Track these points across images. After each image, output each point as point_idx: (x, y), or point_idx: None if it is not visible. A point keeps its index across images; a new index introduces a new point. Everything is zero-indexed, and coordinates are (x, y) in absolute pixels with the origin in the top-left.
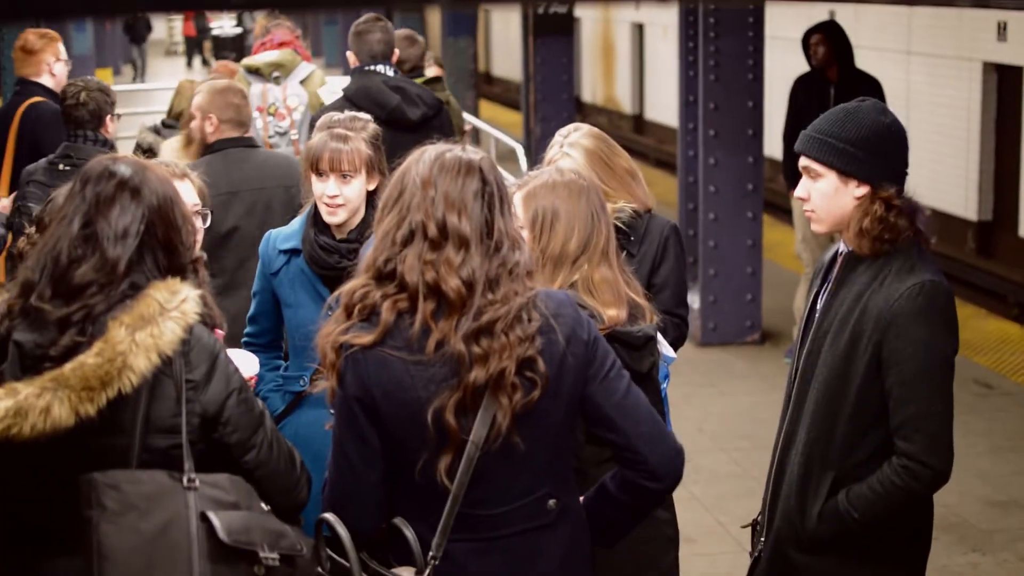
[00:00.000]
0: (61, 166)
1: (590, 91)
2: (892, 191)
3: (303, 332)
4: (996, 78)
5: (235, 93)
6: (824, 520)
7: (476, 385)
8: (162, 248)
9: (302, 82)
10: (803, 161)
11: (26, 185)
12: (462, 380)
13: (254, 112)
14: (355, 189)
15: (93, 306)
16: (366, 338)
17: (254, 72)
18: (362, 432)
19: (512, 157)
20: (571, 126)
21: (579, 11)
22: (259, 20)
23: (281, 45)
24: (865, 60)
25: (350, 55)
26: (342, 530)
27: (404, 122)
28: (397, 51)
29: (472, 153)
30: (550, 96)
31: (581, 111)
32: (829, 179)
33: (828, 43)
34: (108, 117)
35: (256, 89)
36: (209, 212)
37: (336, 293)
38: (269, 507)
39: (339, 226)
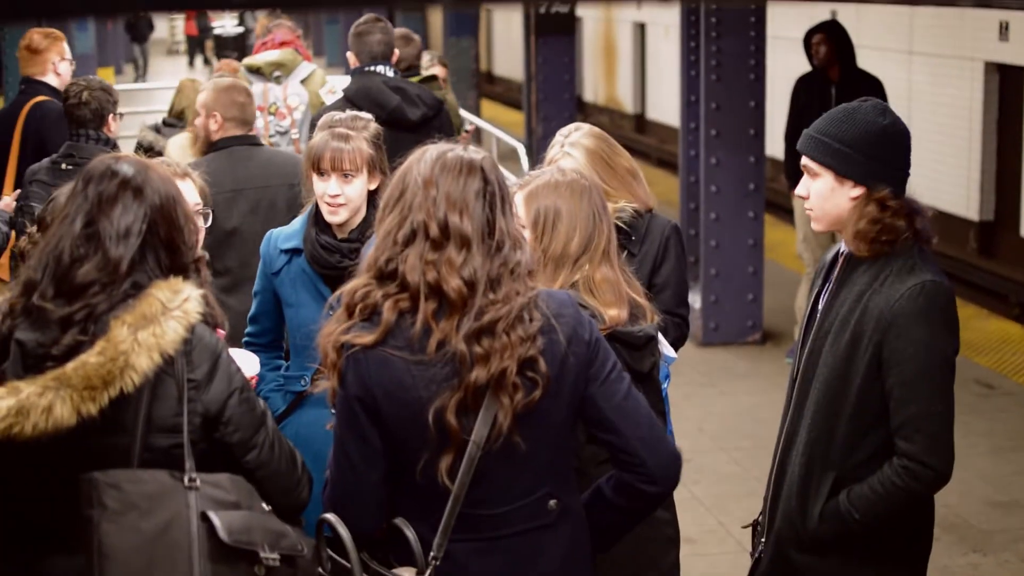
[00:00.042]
0: (64, 165)
1: (592, 91)
2: (886, 192)
3: (304, 332)
4: (998, 78)
5: (240, 91)
6: (825, 520)
7: (477, 385)
8: (164, 247)
9: (303, 81)
10: (803, 160)
11: (29, 185)
12: (463, 380)
13: None
14: (356, 188)
15: (95, 305)
16: (367, 338)
17: (255, 71)
18: (363, 432)
19: (514, 156)
20: (572, 126)
21: (581, 11)
22: (260, 19)
23: (282, 45)
24: (867, 60)
25: (350, 55)
26: (343, 530)
27: (404, 122)
28: (397, 52)
29: (473, 153)
30: (552, 95)
31: (583, 111)
32: (826, 179)
33: (830, 43)
34: (110, 116)
35: (257, 88)
36: (211, 211)
37: (337, 293)
38: (270, 507)
39: (340, 225)
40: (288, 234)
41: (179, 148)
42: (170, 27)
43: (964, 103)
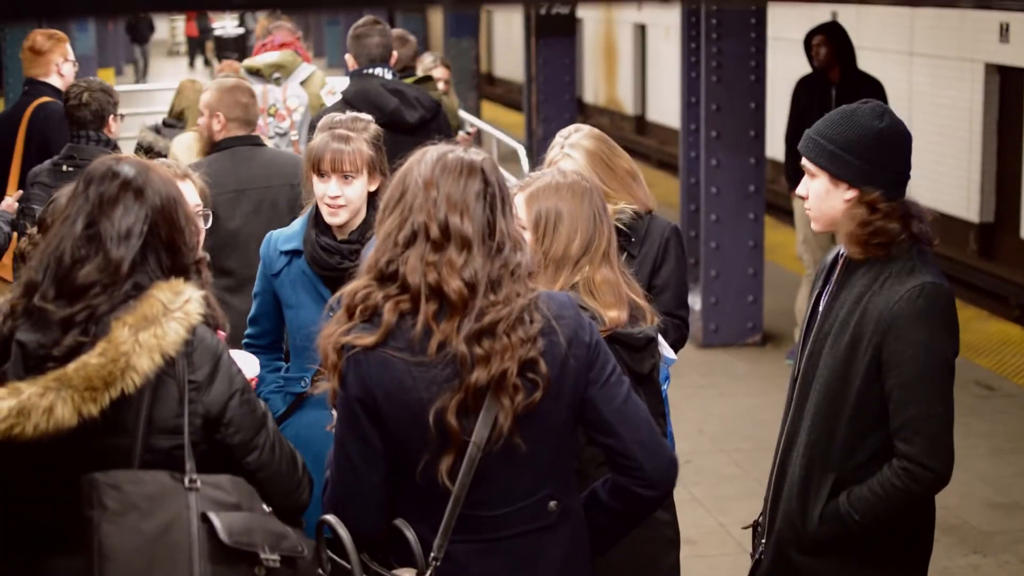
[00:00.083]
0: (65, 167)
1: (592, 92)
2: (876, 195)
3: (304, 333)
4: (998, 79)
5: (243, 92)
6: (825, 522)
7: (478, 386)
8: (165, 248)
9: (302, 83)
10: (803, 160)
11: (31, 187)
12: (464, 381)
13: None
14: (356, 190)
15: (96, 306)
16: (368, 339)
17: (255, 73)
18: (364, 433)
19: (514, 158)
20: (572, 127)
21: (581, 12)
22: (260, 21)
23: (282, 46)
24: (867, 61)
25: (348, 58)
26: (343, 531)
27: (402, 125)
28: (396, 54)
29: (474, 154)
30: (552, 97)
31: (583, 112)
32: (822, 180)
33: (830, 44)
34: (111, 117)
35: (256, 90)
36: (210, 213)
37: (337, 294)
38: (271, 508)
39: (340, 227)
40: (288, 235)
41: (185, 148)
42: (170, 28)
43: (964, 104)
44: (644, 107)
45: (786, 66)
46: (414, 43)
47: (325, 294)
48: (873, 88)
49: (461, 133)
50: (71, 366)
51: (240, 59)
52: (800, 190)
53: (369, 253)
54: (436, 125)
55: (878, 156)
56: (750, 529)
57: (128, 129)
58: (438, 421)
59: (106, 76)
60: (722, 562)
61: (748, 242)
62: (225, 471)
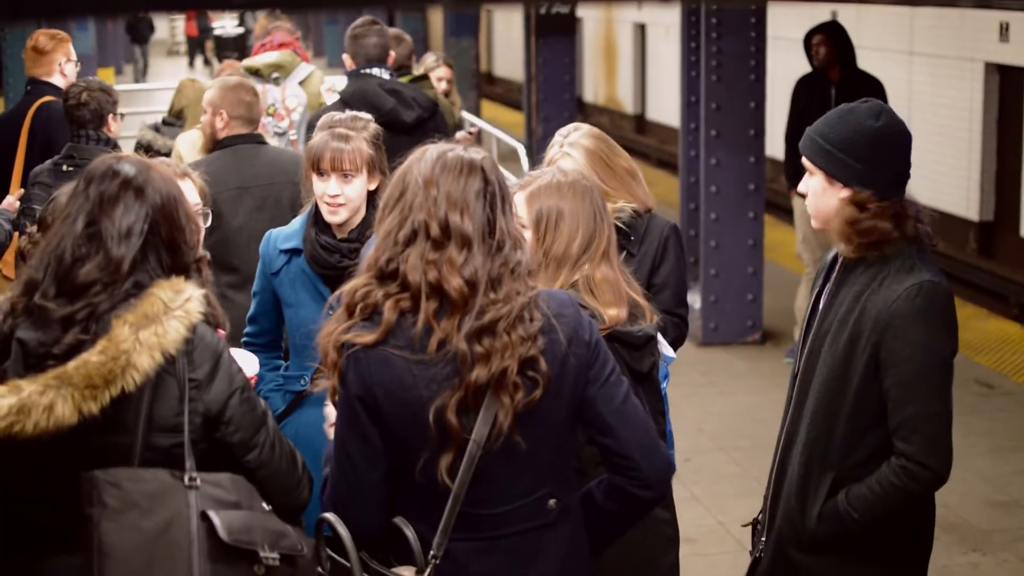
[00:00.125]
0: (65, 167)
1: (592, 91)
2: (866, 195)
3: (304, 331)
4: (998, 78)
5: (247, 90)
6: (824, 520)
7: (478, 384)
8: (166, 247)
9: (301, 83)
10: (803, 158)
11: (31, 187)
12: (464, 379)
13: None
14: (356, 188)
15: (97, 305)
16: (368, 337)
17: (254, 73)
18: (364, 431)
19: (514, 157)
20: (571, 126)
21: (581, 11)
22: (260, 20)
23: (281, 46)
24: (867, 60)
25: (346, 58)
26: (342, 530)
27: (399, 125)
28: (393, 54)
29: (473, 152)
30: (552, 96)
31: (583, 111)
32: (818, 178)
33: (830, 43)
34: (110, 116)
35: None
36: (210, 212)
37: (337, 292)
38: (270, 507)
39: (340, 226)
40: (287, 234)
41: (189, 145)
42: (170, 28)
43: (964, 104)
44: (644, 106)
45: (786, 65)
46: (410, 42)
47: (324, 293)
48: (873, 87)
49: (462, 133)
50: (71, 364)
51: (240, 58)
52: (801, 187)
53: (369, 252)
54: (433, 124)
55: (873, 156)
56: (749, 527)
57: (128, 128)
58: (438, 419)
59: (106, 75)
60: (721, 560)
61: (748, 241)
62: (225, 469)
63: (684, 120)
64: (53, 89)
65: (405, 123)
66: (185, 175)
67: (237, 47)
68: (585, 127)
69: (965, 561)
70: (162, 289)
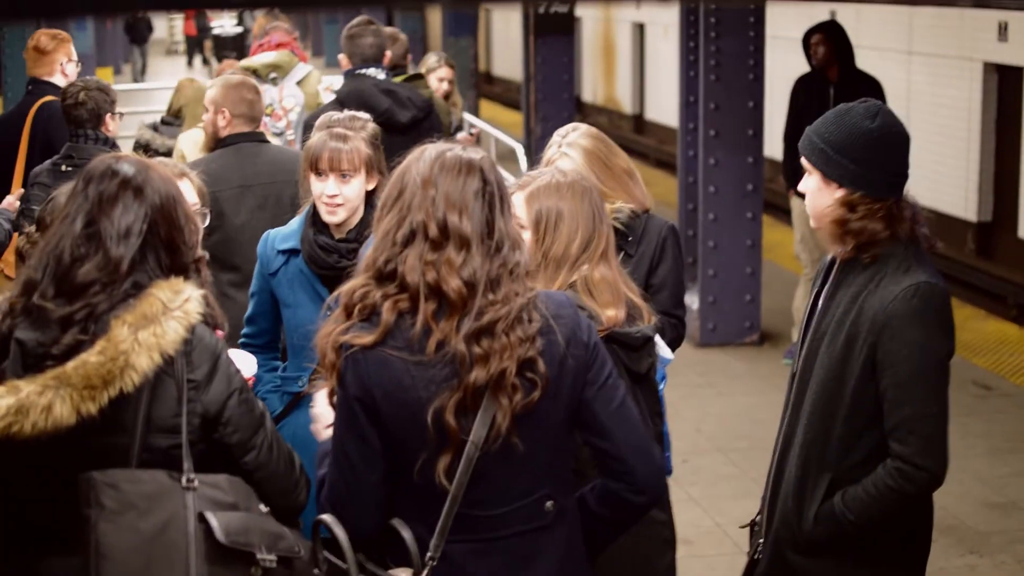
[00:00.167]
0: (64, 167)
1: (590, 91)
2: (857, 196)
3: (302, 332)
4: (997, 78)
5: (249, 88)
6: (820, 522)
7: (476, 385)
8: (165, 247)
9: (299, 83)
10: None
11: (31, 187)
12: (462, 380)
13: None
14: (354, 189)
15: (96, 305)
16: (366, 338)
17: (251, 73)
18: (362, 432)
19: (512, 157)
20: (569, 126)
21: (580, 11)
22: (258, 19)
23: (279, 46)
24: (866, 60)
25: (342, 57)
26: (340, 531)
27: (395, 125)
28: (389, 54)
29: (472, 152)
30: (550, 96)
31: (581, 111)
32: (814, 178)
33: (829, 43)
34: (108, 116)
35: None
36: (208, 212)
37: (336, 293)
38: (268, 509)
39: (338, 226)
40: (285, 235)
41: (192, 144)
42: (169, 27)
43: (963, 103)
44: (642, 106)
45: (784, 65)
46: (405, 41)
47: (323, 293)
48: (871, 87)
49: (463, 134)
50: (70, 364)
51: (239, 58)
52: (800, 186)
53: (367, 252)
54: (429, 124)
55: (868, 156)
56: (747, 528)
57: (127, 128)
58: (436, 420)
59: (104, 75)
60: (719, 562)
61: (746, 241)
62: (223, 471)
63: (683, 120)
64: (54, 89)
65: (401, 123)
66: (183, 175)
67: (236, 47)
68: (583, 127)
69: (962, 563)
70: (161, 290)
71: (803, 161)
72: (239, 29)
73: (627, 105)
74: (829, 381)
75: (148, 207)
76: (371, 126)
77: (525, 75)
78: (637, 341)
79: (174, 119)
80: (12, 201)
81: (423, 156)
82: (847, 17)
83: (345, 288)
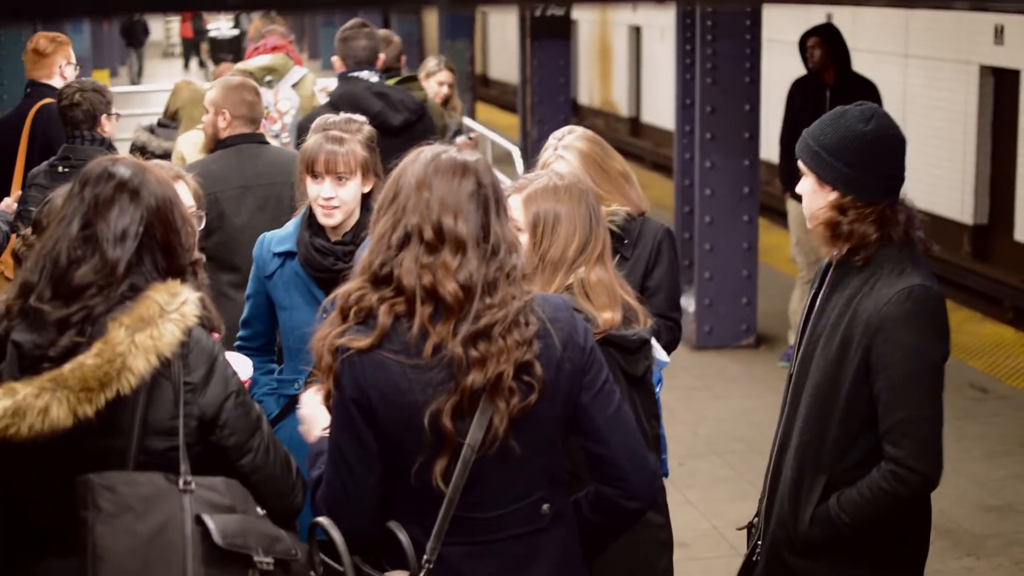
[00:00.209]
0: (61, 168)
1: (587, 94)
2: (848, 199)
3: (298, 335)
4: (993, 81)
5: (249, 90)
6: (816, 524)
7: (473, 389)
8: (161, 250)
9: (294, 86)
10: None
11: (28, 189)
12: (459, 384)
13: None
14: (350, 191)
15: (93, 307)
16: (363, 342)
17: (247, 76)
18: (359, 434)
19: (508, 160)
20: (565, 129)
21: (576, 13)
22: (255, 22)
23: (274, 49)
24: (862, 63)
25: (335, 60)
26: (336, 534)
27: (387, 128)
28: (382, 56)
29: (467, 155)
30: (547, 99)
31: (578, 114)
32: (810, 180)
33: (825, 46)
34: (103, 116)
35: None
36: (204, 214)
37: (331, 296)
38: (264, 511)
39: (334, 228)
40: (281, 237)
41: (192, 146)
42: (165, 30)
43: (959, 106)
44: (639, 109)
45: (781, 68)
46: (398, 43)
47: (319, 296)
48: (867, 90)
49: (463, 138)
50: (67, 367)
51: (235, 61)
52: (798, 188)
53: (363, 255)
54: (421, 127)
55: (860, 160)
56: (744, 531)
57: (124, 130)
58: (433, 423)
59: (101, 78)
60: (716, 565)
61: (742, 244)
62: (219, 473)
63: (679, 123)
64: (53, 91)
65: (393, 126)
66: (179, 177)
67: (232, 49)
68: (579, 130)
69: (959, 566)
70: (158, 292)
71: (799, 163)
72: (235, 32)
73: (623, 108)
74: (824, 384)
75: (144, 209)
76: (367, 129)
77: (521, 78)
78: (634, 344)
79: (170, 121)
80: (10, 203)
81: (418, 159)
82: (843, 20)
83: (341, 291)
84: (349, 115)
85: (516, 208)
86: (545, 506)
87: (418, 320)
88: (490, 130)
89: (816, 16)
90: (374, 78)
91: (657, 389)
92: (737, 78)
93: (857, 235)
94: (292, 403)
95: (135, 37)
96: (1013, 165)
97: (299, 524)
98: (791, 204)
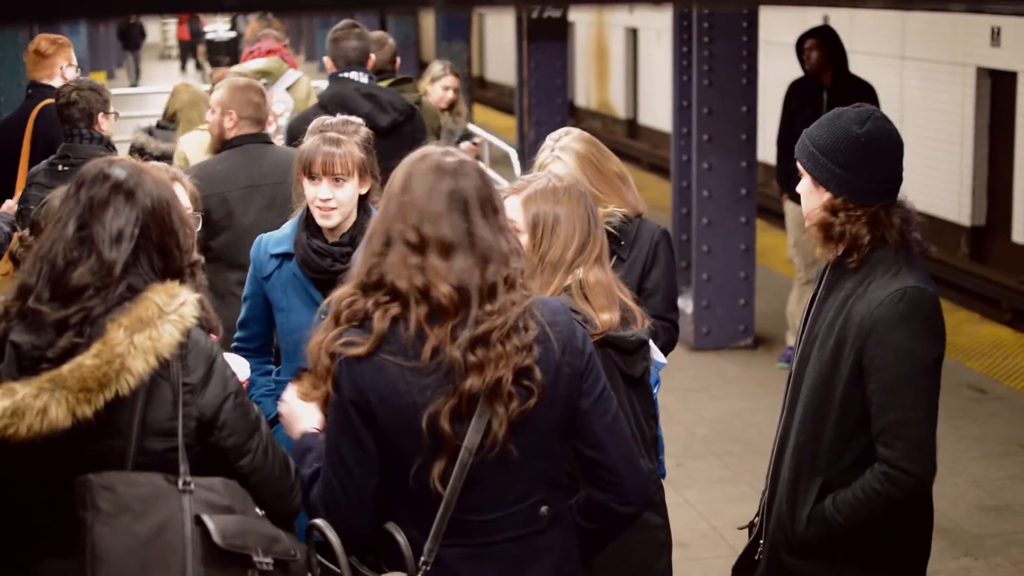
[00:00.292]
0: (61, 167)
1: (584, 95)
2: (840, 200)
3: (296, 336)
4: (990, 83)
5: (255, 91)
6: (812, 525)
7: (471, 393)
8: (157, 251)
9: (288, 89)
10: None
11: (29, 188)
12: (457, 387)
13: None
14: (348, 192)
15: (91, 308)
16: (360, 348)
17: None
18: (358, 436)
19: (506, 161)
20: (562, 130)
21: (573, 15)
22: (251, 24)
23: (268, 53)
24: (859, 65)
25: (327, 60)
26: (332, 536)
27: (375, 128)
28: (373, 57)
29: (453, 157)
30: (544, 100)
31: (575, 116)
32: (806, 180)
33: (822, 48)
34: (100, 115)
35: None
36: (201, 216)
37: (327, 300)
38: (263, 512)
39: (332, 230)
40: (279, 239)
41: (195, 146)
42: (162, 32)
43: (956, 108)
44: (636, 111)
45: (778, 69)
46: (393, 46)
47: (316, 297)
48: (865, 92)
49: (467, 143)
50: (66, 367)
51: (232, 63)
52: (798, 188)
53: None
54: (411, 128)
55: (853, 162)
56: (742, 531)
57: (122, 132)
58: (431, 425)
59: (98, 80)
60: (714, 565)
61: (739, 245)
62: (218, 474)
63: (676, 124)
64: (54, 92)
65: (380, 127)
66: (175, 179)
67: (229, 51)
68: (576, 131)
69: (957, 566)
70: (157, 293)
71: (798, 163)
72: (232, 34)
73: (620, 109)
74: (819, 385)
75: (140, 211)
76: (364, 130)
77: (518, 80)
78: (632, 345)
79: (169, 123)
80: (12, 205)
81: (407, 161)
82: (840, 22)
83: (334, 297)
84: (346, 117)
85: (515, 209)
86: (544, 508)
87: (414, 321)
88: (487, 132)
89: (813, 18)
90: (364, 79)
91: (655, 390)
92: (734, 80)
93: (850, 236)
94: None
95: (132, 40)
96: (1010, 166)
97: (297, 525)
98: (788, 205)
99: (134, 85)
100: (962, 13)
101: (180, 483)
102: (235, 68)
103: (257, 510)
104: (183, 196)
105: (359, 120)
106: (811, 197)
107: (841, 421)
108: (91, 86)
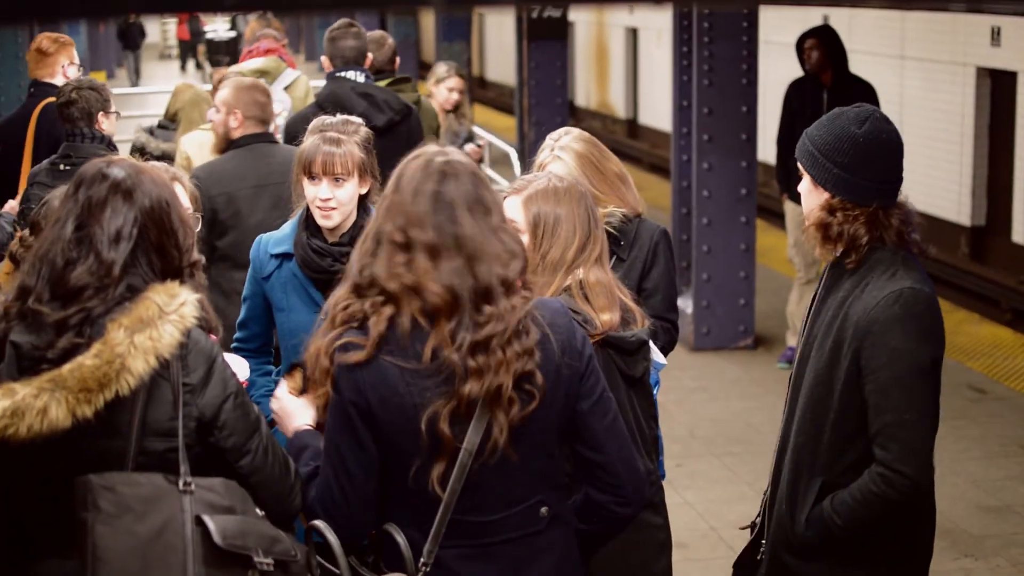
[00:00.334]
0: (62, 166)
1: (584, 95)
2: (836, 200)
3: (295, 336)
4: (990, 83)
5: (261, 91)
6: (811, 525)
7: (470, 398)
8: (156, 251)
9: (286, 88)
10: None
11: (30, 187)
12: (456, 391)
13: None
14: (348, 192)
15: (91, 309)
16: (359, 354)
17: None
18: (358, 436)
19: (506, 161)
20: (561, 130)
21: (573, 15)
22: (251, 24)
23: (267, 52)
24: (859, 65)
25: (324, 59)
26: (332, 537)
27: (370, 128)
28: (371, 56)
29: (445, 156)
30: (544, 100)
31: (575, 116)
32: (806, 180)
33: (822, 47)
34: (100, 113)
35: None
36: (201, 216)
37: (327, 304)
38: (263, 513)
39: (332, 229)
40: (278, 239)
41: (197, 146)
42: (162, 31)
43: (956, 108)
44: (636, 111)
45: (777, 69)
46: (392, 45)
47: (316, 297)
48: (865, 91)
49: (471, 146)
50: (66, 367)
51: (231, 63)
52: (799, 187)
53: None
54: (406, 127)
55: (851, 162)
56: (741, 531)
57: (123, 131)
58: (430, 427)
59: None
60: (714, 565)
61: (740, 245)
62: (218, 474)
63: (676, 124)
64: (56, 91)
65: (376, 126)
66: (175, 179)
67: (229, 51)
68: (575, 131)
69: (957, 567)
70: (157, 293)
71: (798, 163)
72: (232, 34)
73: (620, 109)
74: (818, 387)
75: (138, 211)
76: (363, 130)
77: (518, 80)
78: (632, 345)
79: (170, 123)
80: (14, 206)
81: (403, 161)
82: (840, 22)
83: (331, 300)
84: (346, 116)
85: (516, 209)
86: (543, 509)
87: (409, 319)
88: (488, 132)
89: (813, 18)
90: (361, 78)
91: (655, 391)
92: (734, 80)
93: (848, 237)
94: None
95: (132, 39)
96: (1010, 166)
97: (296, 525)
98: (788, 205)
99: (134, 85)
100: (962, 13)
101: (181, 483)
102: (233, 68)
103: (257, 511)
104: (183, 196)
105: (359, 120)
106: (811, 197)
107: (840, 422)
108: (91, 85)
